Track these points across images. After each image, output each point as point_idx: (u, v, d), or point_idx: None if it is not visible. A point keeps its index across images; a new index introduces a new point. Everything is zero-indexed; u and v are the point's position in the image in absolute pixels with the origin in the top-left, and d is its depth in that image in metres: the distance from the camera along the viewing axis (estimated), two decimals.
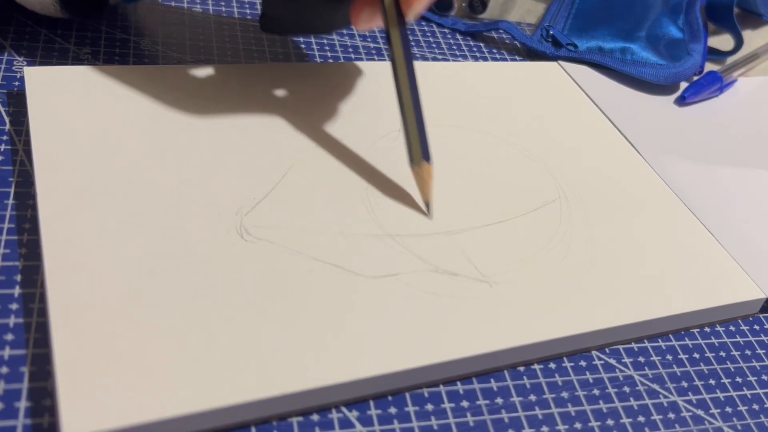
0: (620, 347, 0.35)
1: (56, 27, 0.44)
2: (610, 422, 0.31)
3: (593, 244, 0.37)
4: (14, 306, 0.30)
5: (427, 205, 0.37)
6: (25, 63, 0.41)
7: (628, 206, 0.40)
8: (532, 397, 0.32)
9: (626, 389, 0.33)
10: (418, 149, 0.36)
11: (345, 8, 0.39)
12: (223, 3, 0.50)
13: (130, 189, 0.34)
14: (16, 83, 0.40)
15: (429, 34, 0.53)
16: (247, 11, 0.50)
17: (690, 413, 0.33)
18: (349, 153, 0.39)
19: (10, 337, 0.29)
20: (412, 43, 0.51)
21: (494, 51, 0.53)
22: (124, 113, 0.38)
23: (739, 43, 0.57)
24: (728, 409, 0.33)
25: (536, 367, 0.33)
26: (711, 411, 0.33)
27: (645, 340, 0.35)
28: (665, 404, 0.33)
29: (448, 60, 0.51)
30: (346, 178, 0.37)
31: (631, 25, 0.54)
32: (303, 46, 0.48)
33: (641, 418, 0.32)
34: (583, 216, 0.39)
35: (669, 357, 0.35)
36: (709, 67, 0.56)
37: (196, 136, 0.37)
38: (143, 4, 0.48)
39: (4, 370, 0.28)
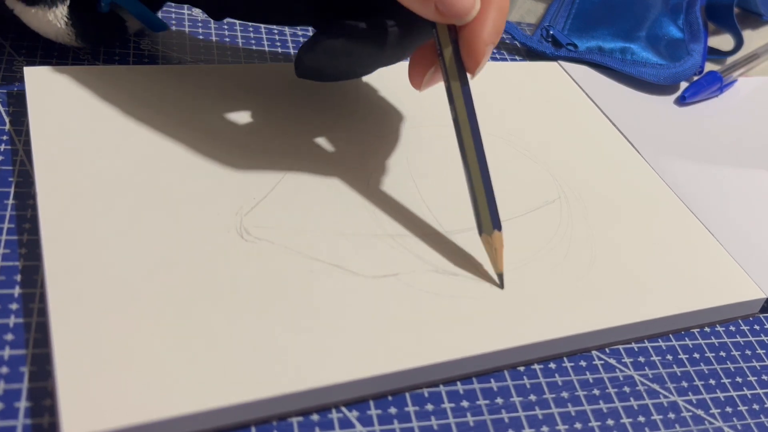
0: (620, 347, 0.35)
1: None
2: (610, 422, 0.31)
3: (593, 244, 0.37)
4: (14, 306, 0.30)
5: (500, 276, 0.34)
6: (25, 63, 0.41)
7: (628, 206, 0.40)
8: (532, 397, 0.32)
9: (626, 389, 0.33)
10: (488, 218, 0.33)
11: (390, 53, 0.36)
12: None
13: (130, 189, 0.34)
14: (16, 83, 0.40)
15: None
16: None
17: (690, 413, 0.33)
18: (349, 153, 0.39)
19: (10, 337, 0.29)
20: None
21: (494, 51, 0.53)
22: (124, 113, 0.38)
23: (739, 43, 0.57)
24: (728, 409, 0.33)
25: (536, 367, 0.33)
26: (711, 411, 0.33)
27: (645, 340, 0.35)
28: (665, 404, 0.33)
29: None
30: (347, 178, 0.37)
31: (631, 25, 0.54)
32: None
33: (641, 418, 0.32)
34: (583, 216, 0.39)
35: (669, 357, 0.35)
36: (709, 67, 0.56)
37: (196, 136, 0.37)
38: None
39: (4, 370, 0.28)
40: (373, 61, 0.37)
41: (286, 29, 0.49)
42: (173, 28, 0.47)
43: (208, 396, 0.27)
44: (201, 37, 0.47)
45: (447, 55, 0.33)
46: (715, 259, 0.38)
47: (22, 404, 0.27)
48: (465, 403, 0.31)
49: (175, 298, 0.30)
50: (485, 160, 0.34)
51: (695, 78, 0.53)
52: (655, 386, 0.33)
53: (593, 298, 0.34)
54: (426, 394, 0.31)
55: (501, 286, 0.34)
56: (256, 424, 0.28)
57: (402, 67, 0.46)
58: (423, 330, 0.31)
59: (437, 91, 0.45)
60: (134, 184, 0.34)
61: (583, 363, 0.33)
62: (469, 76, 0.34)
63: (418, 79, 0.35)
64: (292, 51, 0.47)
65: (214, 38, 0.47)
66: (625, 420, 0.32)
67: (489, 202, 0.33)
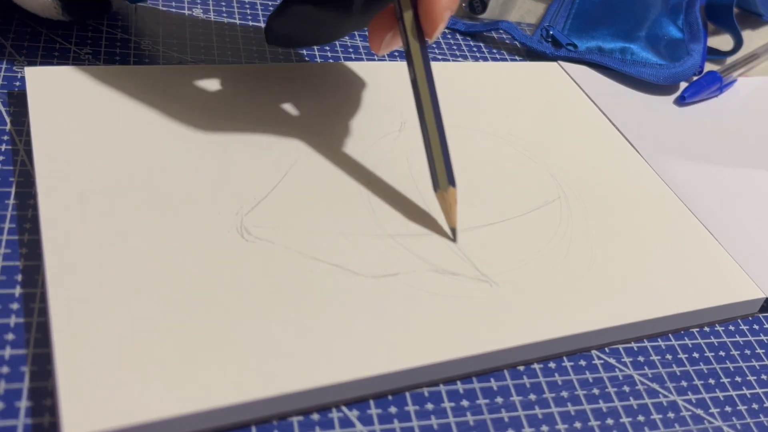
0: (620, 347, 0.35)
1: (57, 27, 0.44)
2: (609, 421, 0.31)
3: (593, 243, 0.37)
4: (15, 306, 0.30)
5: (453, 230, 0.36)
6: (26, 63, 0.41)
7: (628, 206, 0.40)
8: (532, 397, 0.32)
9: (626, 389, 0.33)
10: (444, 174, 0.35)
11: (356, 19, 0.38)
12: (223, 3, 0.50)
13: (131, 189, 0.34)
14: (17, 83, 0.40)
15: None
16: (247, 11, 0.50)
17: (689, 413, 0.33)
18: (349, 153, 0.39)
19: (10, 336, 0.29)
20: None
21: (494, 51, 0.53)
22: (124, 113, 0.38)
23: (738, 43, 0.58)
24: (728, 409, 0.33)
25: (536, 366, 0.33)
26: (710, 410, 0.33)
27: (645, 340, 0.35)
28: (665, 404, 0.33)
29: (448, 60, 0.51)
30: (347, 178, 0.37)
31: (631, 25, 0.54)
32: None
33: (641, 418, 0.32)
34: (583, 216, 0.39)
35: (669, 356, 0.35)
36: (709, 67, 0.56)
37: (197, 136, 0.37)
38: (144, 5, 0.48)
39: (5, 369, 0.28)
40: (339, 25, 0.39)
41: None
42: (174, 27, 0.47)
43: (208, 396, 0.27)
44: (201, 37, 0.47)
45: (408, 18, 0.35)
46: (715, 259, 0.38)
47: (23, 404, 0.27)
48: (465, 403, 0.31)
49: (176, 298, 0.30)
50: (441, 120, 0.36)
51: (695, 78, 0.53)
52: (655, 386, 0.33)
53: (593, 298, 0.34)
54: (426, 394, 0.31)
55: (454, 239, 0.35)
56: (256, 424, 0.28)
57: (401, 68, 0.46)
58: (423, 330, 0.31)
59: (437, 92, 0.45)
60: (135, 184, 0.34)
61: (582, 362, 0.34)
62: (427, 40, 0.36)
63: (377, 42, 0.36)
64: (292, 51, 0.48)
65: (214, 38, 0.47)
66: (625, 419, 0.32)
67: (445, 160, 0.35)
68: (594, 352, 0.34)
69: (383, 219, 0.36)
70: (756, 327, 0.38)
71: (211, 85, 0.41)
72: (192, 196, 0.34)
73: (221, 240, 0.33)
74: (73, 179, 0.33)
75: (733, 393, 0.34)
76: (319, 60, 0.47)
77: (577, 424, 0.31)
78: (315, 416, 0.29)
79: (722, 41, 0.60)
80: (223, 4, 0.50)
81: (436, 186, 0.36)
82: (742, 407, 0.34)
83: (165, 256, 0.31)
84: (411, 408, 0.30)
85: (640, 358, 0.34)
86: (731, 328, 0.37)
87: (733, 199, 0.43)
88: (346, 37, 0.50)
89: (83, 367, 0.27)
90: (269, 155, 0.37)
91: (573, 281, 0.35)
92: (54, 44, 0.43)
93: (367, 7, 0.37)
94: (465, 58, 0.52)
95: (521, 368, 0.33)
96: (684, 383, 0.34)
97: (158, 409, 0.26)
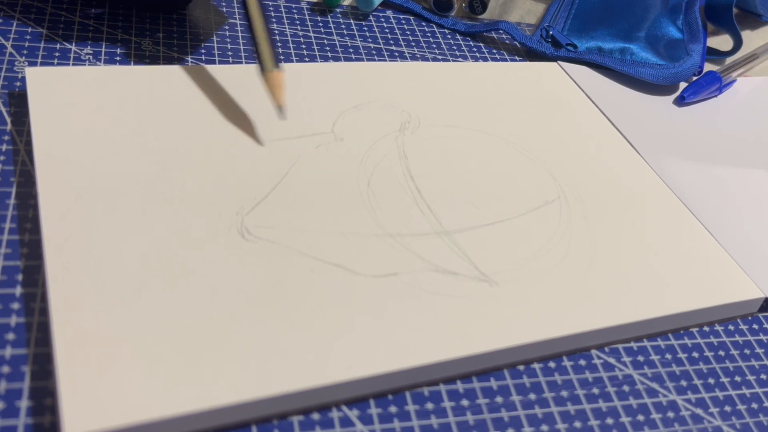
0: (619, 346, 0.35)
1: (58, 28, 0.44)
2: (609, 421, 0.31)
3: (593, 243, 0.37)
4: (16, 305, 0.30)
5: (280, 108, 0.39)
6: (26, 63, 0.41)
7: (628, 206, 0.41)
8: (532, 396, 0.32)
9: (625, 388, 0.33)
10: (270, 58, 0.39)
11: None
12: (224, 3, 0.50)
13: (131, 189, 0.34)
14: (18, 83, 0.40)
15: (429, 34, 0.53)
16: None
17: (689, 412, 0.33)
18: (349, 152, 0.39)
19: (11, 336, 0.29)
20: (412, 44, 0.52)
21: (494, 51, 0.53)
22: (125, 113, 0.38)
23: (738, 43, 0.58)
24: (727, 408, 0.33)
25: (536, 366, 0.33)
26: (710, 410, 0.33)
27: (644, 340, 0.35)
28: (664, 403, 0.33)
29: (448, 60, 0.51)
30: (347, 178, 0.37)
31: (630, 26, 0.54)
32: (304, 46, 0.48)
33: (640, 417, 0.32)
34: (583, 216, 0.39)
35: (668, 356, 0.35)
36: (709, 67, 0.56)
37: (197, 136, 0.38)
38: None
39: (6, 369, 0.28)
40: None
41: (287, 30, 0.49)
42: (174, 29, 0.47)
43: (209, 395, 0.27)
44: (201, 37, 0.47)
45: None
46: (714, 259, 0.39)
47: (24, 403, 0.27)
48: (465, 402, 0.31)
49: (176, 297, 0.30)
50: (264, 12, 0.40)
51: (694, 78, 0.53)
52: (654, 385, 0.33)
53: (592, 298, 0.34)
54: (426, 393, 0.31)
55: (284, 117, 0.39)
56: (257, 423, 0.28)
57: (402, 68, 0.46)
58: (423, 329, 0.31)
59: (437, 92, 0.45)
60: (135, 184, 0.34)
61: (582, 362, 0.34)
62: None
63: None
64: (292, 52, 0.48)
65: (214, 38, 0.47)
66: (625, 419, 0.32)
67: (271, 46, 0.39)
68: (594, 352, 0.34)
69: (383, 219, 0.36)
70: (755, 327, 0.38)
71: (212, 85, 0.41)
72: (192, 196, 0.34)
73: (222, 240, 0.33)
74: (73, 179, 0.33)
75: (733, 393, 0.34)
76: (319, 60, 0.47)
77: (577, 424, 0.31)
78: (315, 415, 0.29)
79: (722, 41, 0.60)
80: (224, 4, 0.50)
81: (263, 69, 0.39)
82: (741, 407, 0.34)
83: (165, 255, 0.31)
84: (411, 407, 0.30)
85: (640, 358, 0.34)
86: (731, 327, 0.37)
87: (733, 199, 0.44)
88: (347, 38, 0.50)
89: (84, 366, 0.27)
90: (269, 155, 0.38)
91: (573, 281, 0.35)
92: (54, 44, 0.43)
93: None
94: (465, 58, 0.52)
95: (521, 368, 0.33)
96: (683, 383, 0.34)
97: (158, 408, 0.26)
